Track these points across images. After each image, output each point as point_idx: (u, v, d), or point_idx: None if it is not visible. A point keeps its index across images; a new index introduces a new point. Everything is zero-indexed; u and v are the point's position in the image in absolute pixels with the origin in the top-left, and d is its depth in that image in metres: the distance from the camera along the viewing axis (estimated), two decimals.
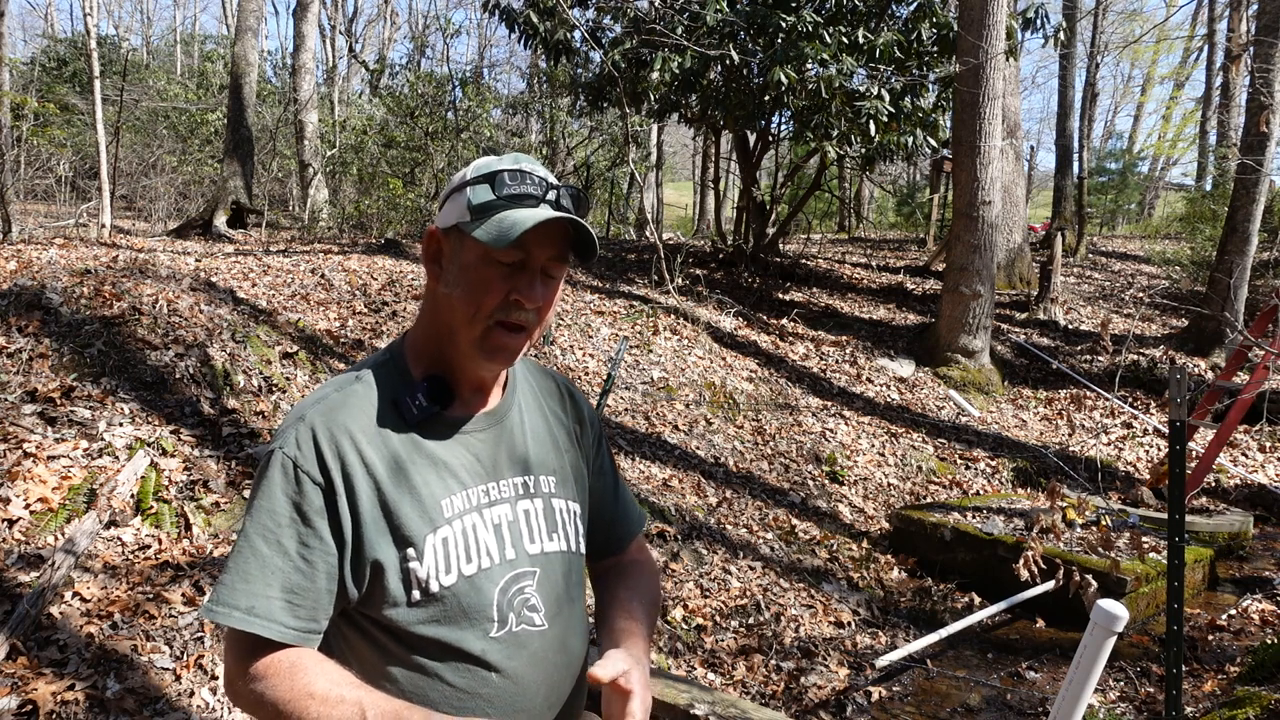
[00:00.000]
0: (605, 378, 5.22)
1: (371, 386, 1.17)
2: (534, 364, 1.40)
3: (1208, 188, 20.17)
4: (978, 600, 4.83)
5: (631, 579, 1.37)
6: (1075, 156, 17.79)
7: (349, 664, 1.15)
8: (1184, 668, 3.47)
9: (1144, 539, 4.96)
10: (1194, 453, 6.30)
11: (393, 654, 1.14)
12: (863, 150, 9.89)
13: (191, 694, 2.75)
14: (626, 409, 6.13)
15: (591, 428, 1.39)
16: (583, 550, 1.30)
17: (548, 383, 1.38)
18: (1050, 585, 4.48)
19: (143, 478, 3.60)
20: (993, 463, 6.94)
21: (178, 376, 4.37)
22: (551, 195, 1.14)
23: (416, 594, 1.12)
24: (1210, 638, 4.45)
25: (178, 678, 2.79)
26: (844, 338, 9.14)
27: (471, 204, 1.13)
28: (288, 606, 1.08)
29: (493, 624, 1.15)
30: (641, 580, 1.38)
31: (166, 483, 3.65)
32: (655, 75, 8.74)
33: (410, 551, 1.11)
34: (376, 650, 1.15)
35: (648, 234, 15.27)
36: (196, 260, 6.87)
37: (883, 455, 6.72)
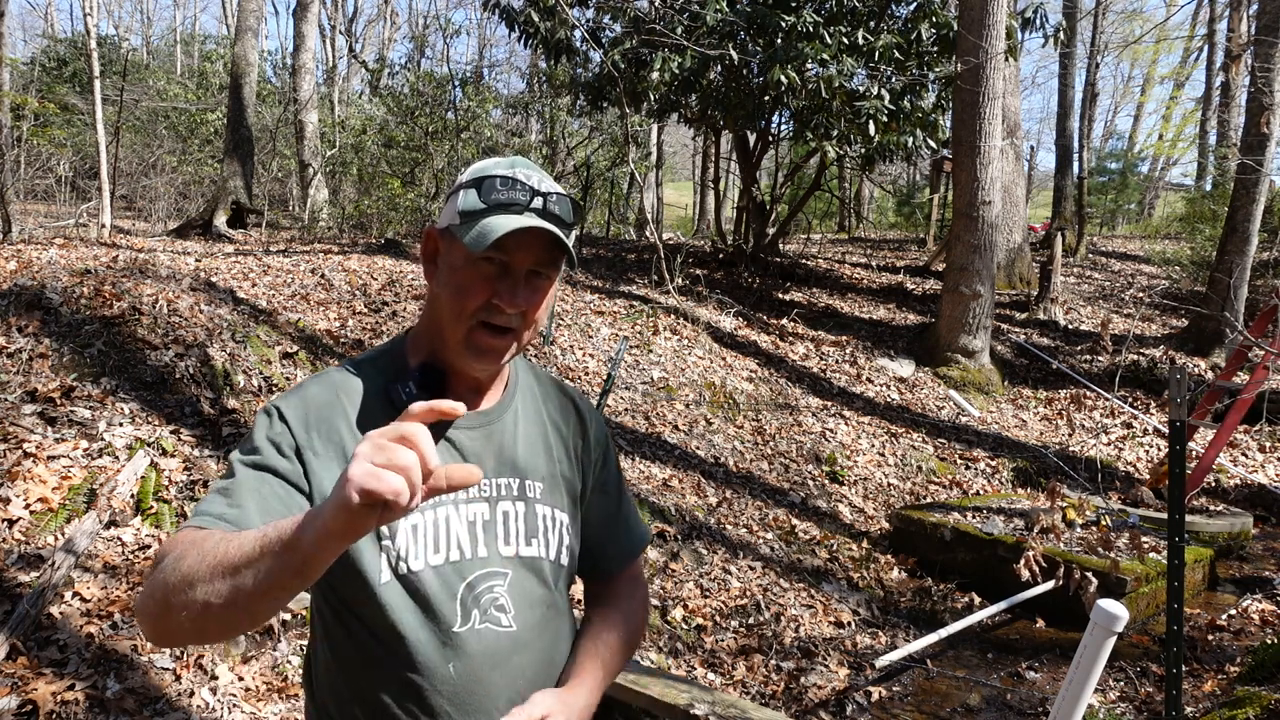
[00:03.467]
0: (605, 378, 5.22)
1: (368, 372, 1.22)
2: (545, 374, 1.41)
3: (1208, 188, 20.18)
4: (978, 600, 4.83)
5: (614, 608, 1.36)
6: (1075, 156, 17.79)
7: (321, 641, 1.20)
8: (1184, 668, 3.47)
9: (1144, 539, 4.96)
10: (1194, 453, 6.30)
11: (356, 636, 1.16)
12: (863, 150, 9.90)
13: (191, 694, 2.75)
14: (626, 409, 6.13)
15: (598, 445, 1.39)
16: (565, 561, 1.29)
17: (555, 394, 1.38)
18: (1050, 585, 4.48)
19: (143, 478, 3.60)
20: (993, 463, 6.95)
21: (178, 376, 4.37)
22: (538, 203, 1.16)
23: (386, 574, 1.14)
24: (1210, 638, 4.45)
25: (178, 678, 2.79)
26: (844, 338, 9.14)
27: (461, 208, 1.16)
28: (261, 522, 1.04)
29: (455, 618, 1.16)
30: (623, 611, 1.36)
31: (166, 483, 3.65)
32: (655, 75, 8.73)
33: (383, 530, 1.13)
34: (343, 630, 1.17)
35: (648, 234, 15.27)
36: (196, 260, 6.87)
37: (883, 455, 6.72)
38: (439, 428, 1.21)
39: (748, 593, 4.45)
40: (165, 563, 0.97)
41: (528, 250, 1.15)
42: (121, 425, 3.88)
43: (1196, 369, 9.20)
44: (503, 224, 1.12)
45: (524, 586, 1.22)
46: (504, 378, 1.29)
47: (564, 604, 1.30)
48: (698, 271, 10.45)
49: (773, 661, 3.97)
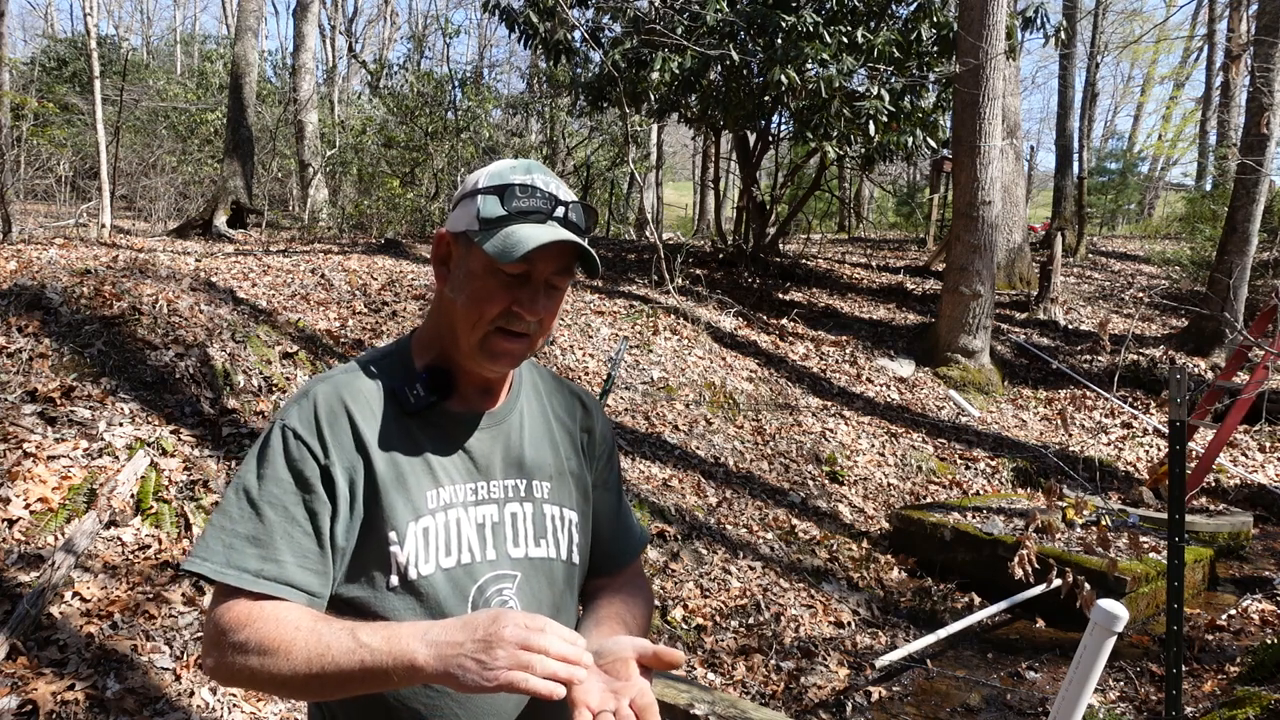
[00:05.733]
0: (605, 378, 5.22)
1: (375, 374, 1.20)
2: (549, 373, 1.41)
3: (1208, 188, 20.17)
4: (978, 600, 4.83)
5: (621, 599, 1.34)
6: (1075, 156, 17.77)
7: None
8: (1184, 668, 3.47)
9: (1144, 539, 4.96)
10: (1194, 453, 6.30)
11: None
12: (863, 150, 9.89)
13: (191, 694, 2.75)
14: (626, 409, 6.13)
15: (603, 442, 1.39)
16: (576, 560, 1.29)
17: (560, 391, 1.38)
18: (1050, 586, 4.49)
19: (143, 478, 3.60)
20: (993, 463, 6.94)
21: (178, 376, 4.37)
22: (560, 211, 1.15)
23: (395, 579, 1.13)
24: (1210, 638, 4.45)
25: (178, 677, 2.79)
26: (844, 338, 9.14)
27: (481, 215, 1.14)
28: (300, 570, 1.09)
29: None
30: (632, 601, 1.35)
31: (166, 483, 3.65)
32: (655, 75, 8.73)
33: (392, 535, 1.13)
34: None
35: (648, 234, 15.27)
36: (196, 260, 6.87)
37: (883, 455, 6.72)
38: (456, 436, 1.21)
39: (748, 593, 4.45)
40: (243, 641, 1.04)
41: (550, 261, 1.15)
42: (121, 425, 3.88)
43: (1196, 369, 9.19)
44: (531, 236, 1.11)
45: (532, 587, 1.22)
46: (509, 378, 1.29)
47: (571, 603, 1.30)
48: (698, 271, 10.44)
49: (773, 661, 3.97)
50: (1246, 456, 7.58)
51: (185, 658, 2.87)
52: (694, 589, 4.36)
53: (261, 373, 4.68)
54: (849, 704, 3.73)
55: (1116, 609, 1.88)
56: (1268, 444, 7.79)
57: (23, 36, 35.62)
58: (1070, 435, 7.83)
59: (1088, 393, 8.49)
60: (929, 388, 8.33)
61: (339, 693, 1.05)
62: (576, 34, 9.98)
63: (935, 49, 9.49)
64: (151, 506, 3.50)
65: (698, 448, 5.95)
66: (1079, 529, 5.21)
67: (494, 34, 34.29)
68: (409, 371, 1.21)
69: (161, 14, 42.69)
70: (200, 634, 2.96)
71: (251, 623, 1.04)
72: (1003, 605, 4.50)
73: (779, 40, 8.69)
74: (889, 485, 6.32)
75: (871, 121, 8.63)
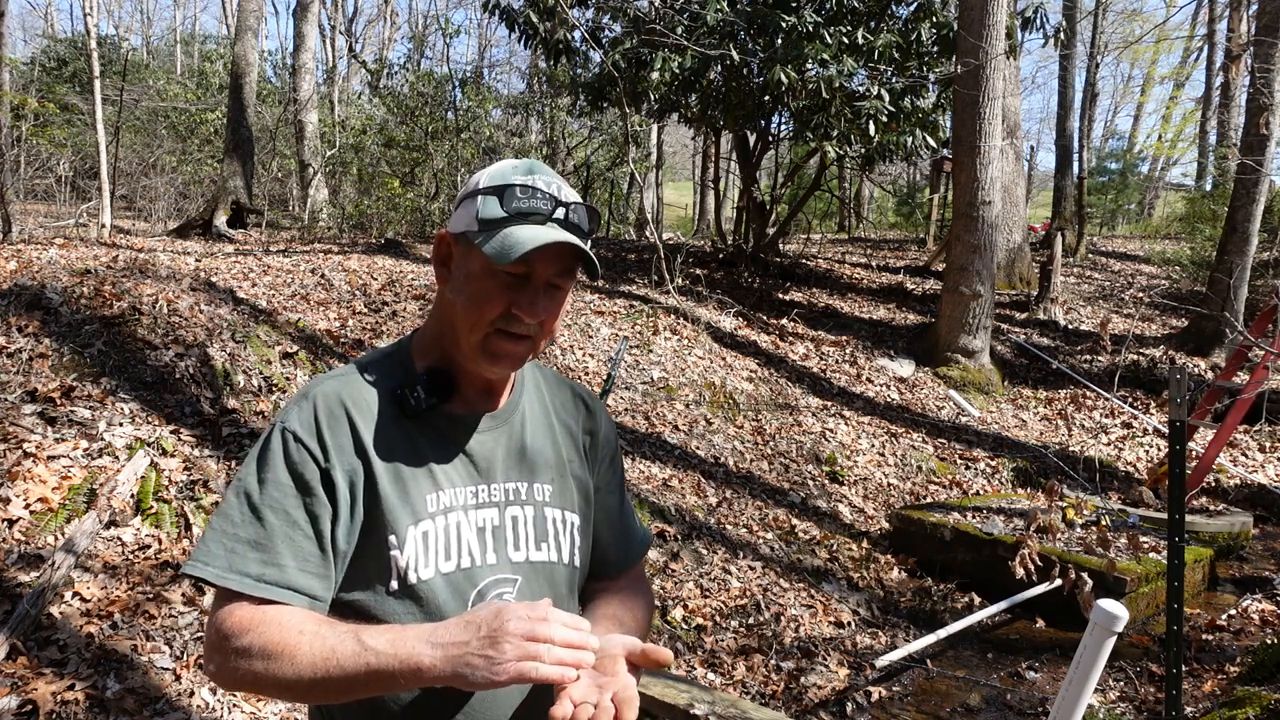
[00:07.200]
0: (605, 378, 5.22)
1: (375, 376, 1.19)
2: (552, 373, 1.39)
3: (1208, 188, 20.17)
4: (978, 600, 4.83)
5: (620, 600, 1.33)
6: (1075, 156, 17.77)
7: None
8: (1184, 668, 3.47)
9: (1143, 539, 4.96)
10: (1194, 453, 6.30)
11: None
12: (863, 150, 9.89)
13: (191, 694, 2.75)
14: (626, 409, 6.13)
15: (606, 444, 1.37)
16: (577, 563, 1.28)
17: (563, 392, 1.36)
18: (1050, 585, 4.49)
19: (143, 478, 3.60)
20: (993, 463, 6.94)
21: (178, 376, 4.37)
22: (560, 213, 1.14)
23: (394, 584, 1.13)
24: (1210, 638, 4.45)
25: (178, 677, 2.79)
26: (844, 338, 9.14)
27: (480, 216, 1.13)
28: (302, 574, 1.09)
29: None
30: (631, 603, 1.34)
31: (166, 483, 3.65)
32: (655, 75, 8.73)
33: (392, 539, 1.12)
34: None
35: (648, 234, 15.27)
36: (196, 260, 6.87)
37: (883, 455, 6.71)
38: (457, 439, 1.20)
39: (748, 593, 4.45)
40: (246, 646, 1.03)
41: (550, 262, 1.13)
42: (121, 425, 3.88)
43: (1196, 369, 9.19)
44: (529, 237, 1.09)
45: (533, 591, 1.21)
46: (511, 378, 1.28)
47: (572, 607, 1.29)
48: (698, 271, 10.44)
49: (773, 661, 3.97)
50: (1246, 456, 7.58)
51: (185, 658, 2.87)
52: (694, 589, 4.36)
53: (261, 373, 4.68)
54: (849, 704, 3.73)
55: (1116, 609, 1.88)
56: (1268, 444, 7.79)
57: (23, 36, 35.63)
58: (1070, 435, 7.83)
59: (1088, 393, 8.49)
60: (929, 388, 8.33)
61: (344, 696, 1.04)
62: (576, 34, 9.98)
63: (935, 49, 9.49)
64: (151, 506, 3.50)
65: (698, 448, 5.95)
66: (1079, 529, 5.21)
67: (494, 34, 34.30)
68: (409, 373, 1.20)
69: (161, 14, 42.69)
70: (200, 634, 2.96)
71: (255, 627, 1.04)
72: (1003, 605, 4.50)
73: (779, 40, 8.69)
74: (889, 485, 6.32)
75: (871, 121, 8.63)
